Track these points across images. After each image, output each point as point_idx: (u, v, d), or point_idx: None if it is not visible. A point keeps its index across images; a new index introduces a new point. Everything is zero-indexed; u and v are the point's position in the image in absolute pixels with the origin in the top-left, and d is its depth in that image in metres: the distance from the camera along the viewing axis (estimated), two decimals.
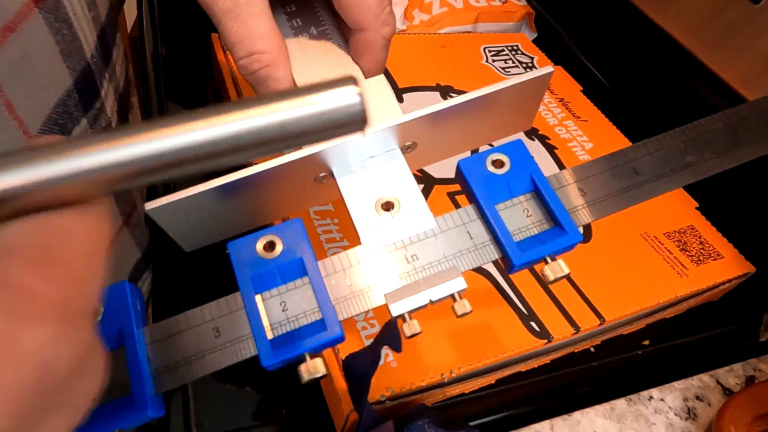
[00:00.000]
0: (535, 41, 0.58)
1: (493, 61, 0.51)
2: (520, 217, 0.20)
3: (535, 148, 0.43)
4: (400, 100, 0.43)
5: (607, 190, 0.21)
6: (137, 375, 0.17)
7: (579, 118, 0.47)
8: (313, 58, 0.23)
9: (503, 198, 0.21)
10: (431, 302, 0.19)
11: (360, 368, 0.23)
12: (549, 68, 0.18)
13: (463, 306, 0.20)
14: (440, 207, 0.37)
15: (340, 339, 0.18)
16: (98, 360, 0.12)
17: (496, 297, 0.32)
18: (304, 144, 0.12)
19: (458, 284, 0.19)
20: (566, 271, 0.19)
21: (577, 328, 0.32)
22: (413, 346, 0.29)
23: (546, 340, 0.31)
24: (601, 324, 0.32)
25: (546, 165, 0.42)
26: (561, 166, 0.42)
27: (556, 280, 0.19)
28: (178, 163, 0.10)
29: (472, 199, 0.21)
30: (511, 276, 0.33)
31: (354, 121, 0.11)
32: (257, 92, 0.22)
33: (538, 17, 0.58)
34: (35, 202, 0.10)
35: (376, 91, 0.22)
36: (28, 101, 0.19)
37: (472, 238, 0.20)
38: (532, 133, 0.44)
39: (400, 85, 0.44)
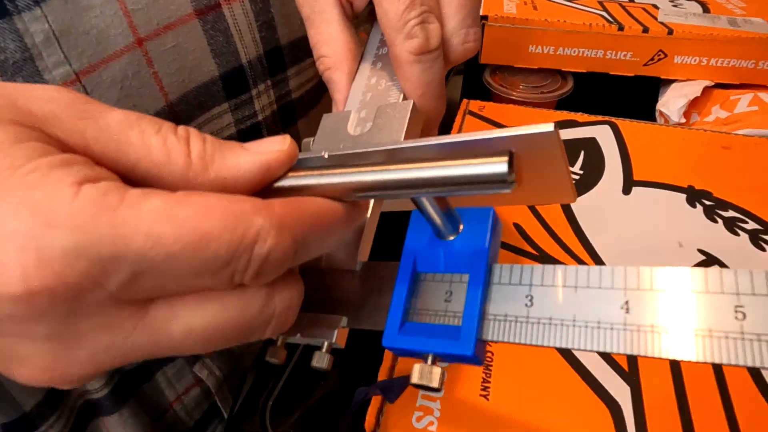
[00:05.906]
0: None
1: None
2: (435, 298, 0.16)
3: None
4: (627, 191, 0.39)
5: None
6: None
7: None
8: (377, 71, 0.22)
9: (431, 268, 0.17)
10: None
11: (358, 398, 0.23)
12: (549, 126, 0.13)
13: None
14: None
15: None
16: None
17: None
18: (459, 194, 0.14)
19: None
20: (434, 384, 0.15)
21: None
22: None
23: None
24: None
25: None
26: None
27: (420, 387, 0.15)
28: (391, 188, 0.14)
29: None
30: (647, 411, 0.26)
31: (499, 183, 0.13)
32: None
33: None
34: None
35: (390, 118, 0.20)
36: (171, 76, 0.25)
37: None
38: None
39: (636, 177, 0.39)
